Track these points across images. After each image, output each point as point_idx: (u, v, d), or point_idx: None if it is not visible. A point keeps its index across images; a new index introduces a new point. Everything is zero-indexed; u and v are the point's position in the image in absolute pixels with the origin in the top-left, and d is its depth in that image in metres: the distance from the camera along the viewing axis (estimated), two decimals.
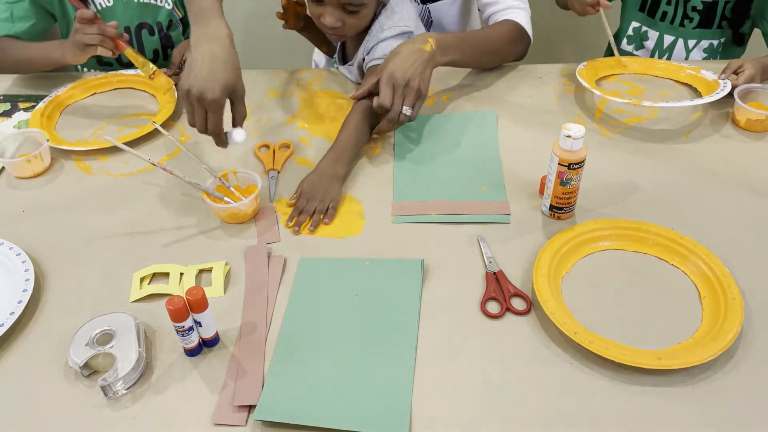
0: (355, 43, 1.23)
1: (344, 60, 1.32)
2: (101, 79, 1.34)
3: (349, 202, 1.01)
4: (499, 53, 1.27)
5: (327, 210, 0.98)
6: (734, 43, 1.38)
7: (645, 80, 1.28)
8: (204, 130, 0.92)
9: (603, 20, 1.27)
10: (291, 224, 0.96)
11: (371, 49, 1.18)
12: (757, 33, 1.36)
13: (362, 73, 1.24)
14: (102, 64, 1.44)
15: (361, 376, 0.75)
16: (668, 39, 1.39)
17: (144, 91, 1.32)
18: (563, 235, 0.90)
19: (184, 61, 1.33)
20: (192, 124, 0.92)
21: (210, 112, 0.90)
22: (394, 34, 1.16)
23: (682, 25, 1.37)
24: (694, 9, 1.34)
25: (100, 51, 1.18)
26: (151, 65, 1.23)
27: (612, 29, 1.32)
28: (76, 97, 1.31)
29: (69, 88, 1.31)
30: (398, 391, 0.73)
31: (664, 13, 1.37)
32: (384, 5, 1.17)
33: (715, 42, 1.38)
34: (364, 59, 1.20)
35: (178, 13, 1.45)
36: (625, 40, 1.47)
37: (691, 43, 1.38)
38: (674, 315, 0.81)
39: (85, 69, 1.46)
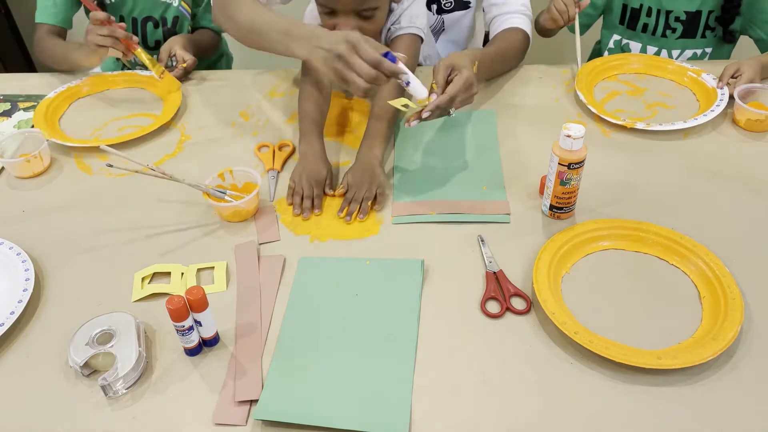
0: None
1: None
2: (117, 76, 1.35)
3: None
4: (508, 65, 1.30)
5: (375, 197, 0.99)
6: (725, 41, 1.37)
7: (645, 80, 1.28)
8: None
9: (576, 29, 1.30)
10: (342, 215, 0.98)
11: (398, 18, 1.20)
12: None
13: (385, 43, 1.24)
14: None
15: (361, 376, 0.75)
16: (651, 50, 1.38)
17: (151, 92, 1.32)
18: (563, 235, 0.90)
19: (172, 56, 1.34)
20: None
21: None
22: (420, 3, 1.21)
23: (664, 35, 1.35)
24: (677, 19, 1.33)
25: (111, 53, 1.19)
26: (161, 66, 1.26)
27: (586, 44, 1.33)
28: (86, 93, 1.32)
29: (80, 83, 1.32)
30: (398, 391, 0.73)
31: (645, 25, 1.36)
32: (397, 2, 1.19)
33: (699, 51, 1.37)
34: (390, 29, 1.22)
35: (186, 8, 1.45)
36: (606, 53, 1.45)
37: (675, 53, 1.37)
38: (674, 315, 0.81)
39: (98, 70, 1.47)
